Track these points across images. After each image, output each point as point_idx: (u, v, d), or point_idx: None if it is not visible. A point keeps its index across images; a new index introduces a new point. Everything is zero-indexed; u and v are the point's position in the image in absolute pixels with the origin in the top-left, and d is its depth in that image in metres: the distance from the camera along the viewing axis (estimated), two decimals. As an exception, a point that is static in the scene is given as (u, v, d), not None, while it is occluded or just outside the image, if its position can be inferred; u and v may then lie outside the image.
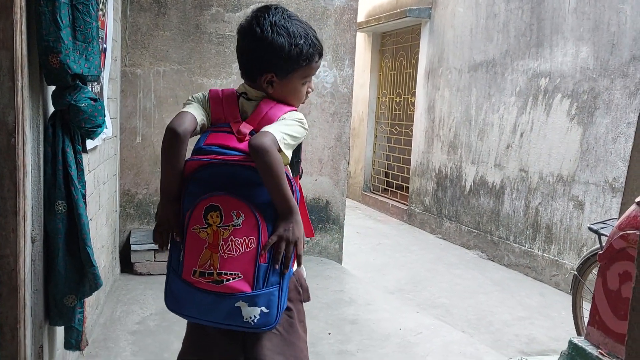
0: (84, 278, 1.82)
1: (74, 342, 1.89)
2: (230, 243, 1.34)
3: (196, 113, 1.44)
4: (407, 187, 7.27)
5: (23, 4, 1.51)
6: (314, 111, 4.43)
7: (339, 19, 4.41)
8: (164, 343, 2.81)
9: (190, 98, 1.52)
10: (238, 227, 1.35)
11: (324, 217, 4.58)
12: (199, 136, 1.47)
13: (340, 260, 4.64)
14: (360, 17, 7.75)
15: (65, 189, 1.72)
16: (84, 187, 1.83)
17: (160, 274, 3.73)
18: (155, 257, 3.84)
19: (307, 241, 4.43)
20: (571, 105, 4.52)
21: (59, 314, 1.82)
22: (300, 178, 1.63)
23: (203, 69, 4.11)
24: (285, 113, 1.45)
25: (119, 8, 3.64)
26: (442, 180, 6.37)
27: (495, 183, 5.42)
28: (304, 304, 1.58)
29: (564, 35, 4.59)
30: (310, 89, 1.57)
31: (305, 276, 1.59)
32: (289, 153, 1.39)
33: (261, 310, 1.36)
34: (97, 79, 1.97)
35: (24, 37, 1.53)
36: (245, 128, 1.41)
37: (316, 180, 4.54)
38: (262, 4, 4.08)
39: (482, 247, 5.59)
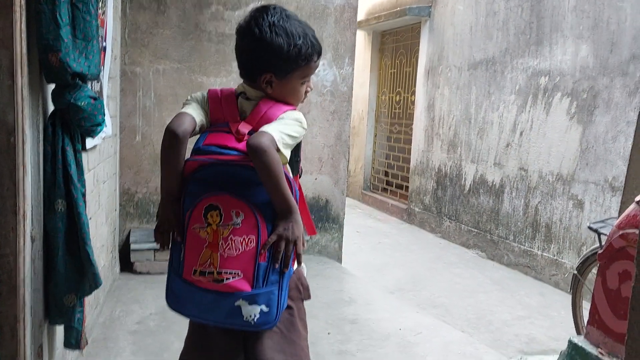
0: (83, 277, 1.82)
1: (73, 341, 1.89)
2: (230, 242, 1.35)
3: (195, 113, 1.44)
4: (407, 186, 7.27)
5: (23, 2, 1.51)
6: (314, 110, 4.43)
7: (339, 17, 4.41)
8: (164, 343, 2.80)
9: (189, 98, 1.52)
10: (237, 227, 1.35)
11: (323, 216, 4.58)
12: (198, 136, 1.48)
13: (339, 260, 4.64)
14: (360, 16, 7.74)
15: (65, 188, 1.72)
16: (83, 186, 1.83)
17: (160, 273, 3.73)
18: (155, 256, 3.84)
19: (307, 240, 4.43)
20: (571, 104, 4.52)
21: (59, 313, 1.82)
22: (300, 177, 1.63)
23: (203, 68, 4.10)
24: (284, 112, 1.45)
25: (118, 6, 3.64)
26: (441, 179, 6.37)
27: (495, 182, 5.42)
28: (304, 302, 1.58)
29: (564, 33, 4.59)
30: (309, 88, 1.57)
31: (305, 275, 1.60)
32: (287, 153, 1.40)
33: (261, 309, 1.36)
34: (96, 77, 1.96)
35: (24, 35, 1.53)
36: (244, 128, 1.42)
37: (316, 179, 4.53)
38: (262, 3, 4.09)
39: (481, 246, 5.59)
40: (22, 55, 1.52)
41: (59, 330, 1.98)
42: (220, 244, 1.35)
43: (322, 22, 4.36)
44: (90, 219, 2.50)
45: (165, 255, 1.48)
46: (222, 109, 1.47)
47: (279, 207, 1.37)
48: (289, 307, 1.49)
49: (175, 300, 1.44)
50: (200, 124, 1.45)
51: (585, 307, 2.70)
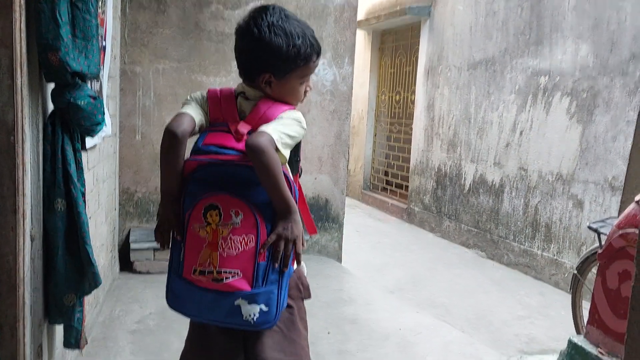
0: (83, 276, 1.82)
1: (73, 340, 1.89)
2: (229, 241, 1.35)
3: (194, 114, 1.44)
4: (407, 186, 7.27)
5: (22, 2, 1.51)
6: (314, 109, 4.43)
7: (339, 17, 4.41)
8: (164, 342, 2.80)
9: (188, 98, 1.52)
10: (237, 226, 1.35)
11: (323, 216, 4.58)
12: (197, 136, 1.48)
13: (339, 259, 4.64)
14: (360, 15, 7.74)
15: (65, 187, 1.72)
16: (83, 185, 1.83)
17: (160, 273, 3.73)
18: (154, 255, 3.84)
19: (307, 240, 4.43)
20: (571, 104, 4.52)
21: (59, 312, 1.82)
22: (299, 177, 1.63)
23: (202, 67, 4.10)
24: (283, 112, 1.45)
25: (118, 6, 3.64)
26: (441, 178, 6.37)
27: (495, 182, 5.41)
28: (304, 301, 1.58)
29: (564, 33, 4.59)
30: (308, 88, 1.57)
31: (306, 274, 1.60)
32: (286, 152, 1.40)
33: (260, 308, 1.37)
34: (96, 76, 1.96)
35: (23, 35, 1.53)
36: (243, 128, 1.42)
37: (316, 178, 4.54)
38: (261, 3, 4.09)
39: (481, 246, 5.60)
40: (21, 55, 1.52)
41: (59, 329, 1.98)
42: (219, 243, 1.35)
43: (322, 21, 4.36)
44: (90, 218, 2.50)
45: (165, 254, 1.48)
46: (221, 109, 1.48)
47: (278, 207, 1.38)
48: (289, 306, 1.49)
49: (175, 299, 1.44)
50: (199, 124, 1.45)
51: (585, 306, 2.70)
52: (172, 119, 1.41)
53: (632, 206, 2.18)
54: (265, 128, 1.36)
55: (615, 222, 2.26)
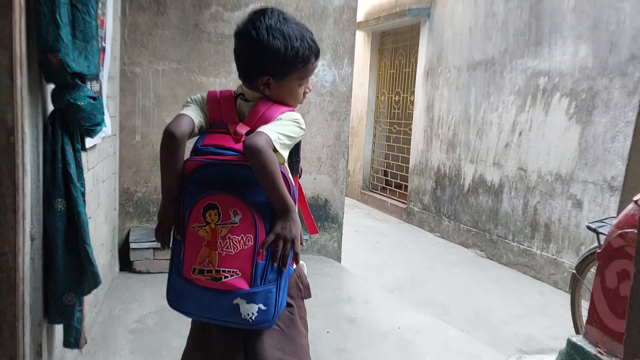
0: (83, 276, 1.82)
1: (72, 340, 1.89)
2: (228, 241, 1.36)
3: (194, 115, 1.45)
4: (406, 186, 7.27)
5: (22, 2, 1.51)
6: (313, 110, 4.44)
7: (338, 18, 4.42)
8: (163, 341, 2.81)
9: (188, 100, 1.53)
10: (236, 225, 1.36)
11: (323, 216, 4.58)
12: (197, 137, 1.49)
13: (339, 259, 4.65)
14: (360, 17, 7.75)
15: (65, 187, 1.73)
16: (83, 185, 1.83)
17: (159, 272, 3.74)
18: (154, 255, 3.84)
19: (306, 239, 4.44)
20: (570, 104, 4.53)
21: (58, 311, 1.82)
22: (299, 177, 1.64)
23: (202, 68, 4.11)
24: (282, 113, 1.46)
25: (118, 7, 3.64)
26: (440, 179, 6.38)
27: (494, 182, 5.42)
28: (304, 301, 1.59)
29: (563, 34, 4.60)
30: (307, 90, 1.58)
31: (306, 273, 1.61)
32: (284, 153, 1.41)
33: (259, 307, 1.37)
34: (96, 77, 1.97)
35: (23, 35, 1.54)
36: (242, 129, 1.43)
37: (315, 178, 4.54)
38: (261, 4, 4.10)
39: (480, 245, 5.60)
40: (21, 55, 1.53)
41: (58, 329, 1.98)
42: (218, 242, 1.36)
43: (322, 23, 4.36)
44: (90, 218, 2.50)
45: (165, 254, 1.49)
46: (220, 111, 1.49)
47: (277, 206, 1.38)
48: (289, 305, 1.50)
49: (176, 298, 1.45)
50: (199, 125, 1.46)
51: (584, 306, 2.70)
52: (172, 120, 1.43)
53: (630, 206, 2.19)
54: (263, 129, 1.37)
55: (614, 221, 2.27)
